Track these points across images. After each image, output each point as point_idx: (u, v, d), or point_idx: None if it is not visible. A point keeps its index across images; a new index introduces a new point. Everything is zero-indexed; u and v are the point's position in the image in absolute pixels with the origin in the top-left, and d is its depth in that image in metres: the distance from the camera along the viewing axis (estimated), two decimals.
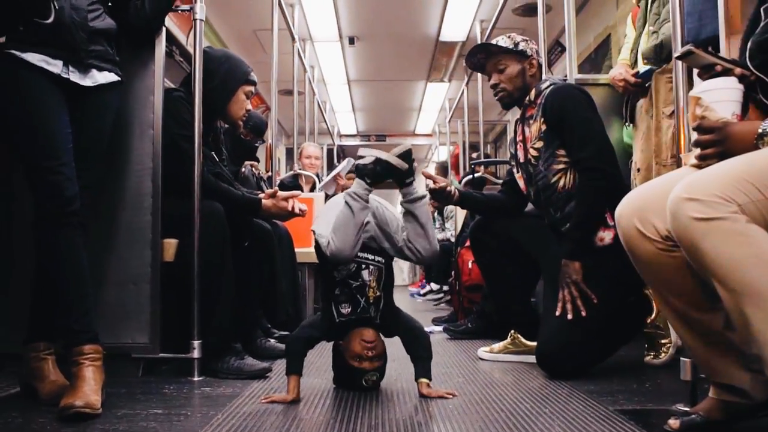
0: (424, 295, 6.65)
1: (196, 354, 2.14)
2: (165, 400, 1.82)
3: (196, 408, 1.75)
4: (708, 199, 1.18)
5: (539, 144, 2.34)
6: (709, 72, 1.40)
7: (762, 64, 1.35)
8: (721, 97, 1.34)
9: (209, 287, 2.17)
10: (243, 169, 3.43)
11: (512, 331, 2.49)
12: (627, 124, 2.77)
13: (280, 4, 3.90)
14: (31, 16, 1.74)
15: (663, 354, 2.31)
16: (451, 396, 1.82)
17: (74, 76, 1.84)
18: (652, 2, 2.56)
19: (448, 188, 2.55)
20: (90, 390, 1.66)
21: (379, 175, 1.83)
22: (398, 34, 6.87)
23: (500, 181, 3.50)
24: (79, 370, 1.71)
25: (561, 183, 2.30)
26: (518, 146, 2.49)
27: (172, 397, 1.86)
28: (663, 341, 2.32)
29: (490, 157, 8.20)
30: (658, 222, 1.35)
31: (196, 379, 2.13)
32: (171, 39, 2.41)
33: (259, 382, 2.06)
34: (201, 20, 2.28)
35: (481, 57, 2.50)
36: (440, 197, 2.57)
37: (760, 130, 1.25)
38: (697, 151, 1.35)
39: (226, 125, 2.64)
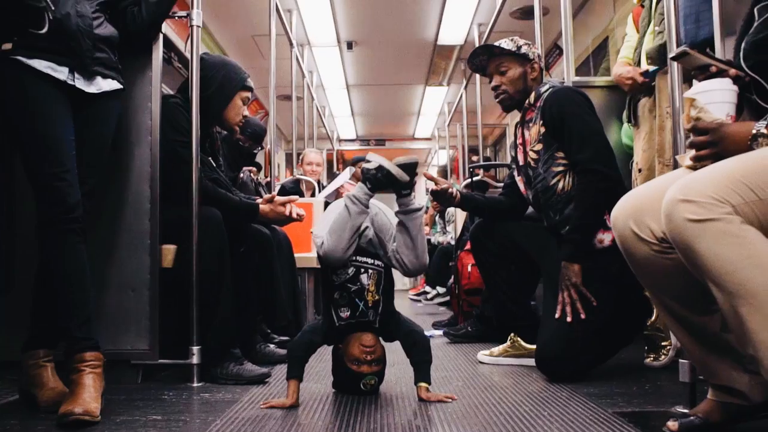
0: (431, 299, 6.65)
1: (195, 360, 2.14)
2: (164, 407, 1.82)
3: (195, 414, 1.74)
4: (702, 201, 1.18)
5: (538, 147, 2.35)
6: (704, 73, 1.40)
7: (756, 64, 1.35)
8: (715, 99, 1.34)
9: (208, 293, 2.17)
10: (241, 175, 3.44)
11: (512, 335, 2.49)
12: (630, 124, 2.76)
13: (278, 10, 3.91)
14: (25, 27, 1.75)
15: (663, 356, 2.30)
16: (450, 400, 1.82)
17: (79, 83, 1.85)
18: (657, 2, 2.55)
19: (450, 190, 2.55)
20: (89, 397, 1.66)
21: (380, 182, 1.84)
22: (396, 39, 6.88)
23: (500, 185, 3.51)
24: (78, 377, 1.71)
25: (560, 185, 2.30)
26: (518, 149, 2.49)
27: (171, 403, 1.86)
28: (663, 343, 2.32)
29: (490, 161, 8.20)
30: (654, 224, 1.36)
31: (195, 385, 2.13)
32: (169, 45, 2.42)
33: (259, 388, 2.06)
34: (198, 26, 2.29)
35: (482, 59, 2.50)
36: (442, 199, 2.57)
37: (754, 131, 1.26)
38: (693, 152, 1.35)
39: (224, 131, 2.65)
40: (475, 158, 6.32)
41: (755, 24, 1.38)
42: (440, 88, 8.69)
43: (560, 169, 2.30)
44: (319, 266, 1.95)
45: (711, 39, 1.84)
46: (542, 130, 2.33)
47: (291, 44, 4.74)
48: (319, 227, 1.91)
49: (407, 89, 8.93)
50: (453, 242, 5.72)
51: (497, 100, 2.49)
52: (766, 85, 1.33)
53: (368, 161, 1.86)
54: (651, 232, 1.37)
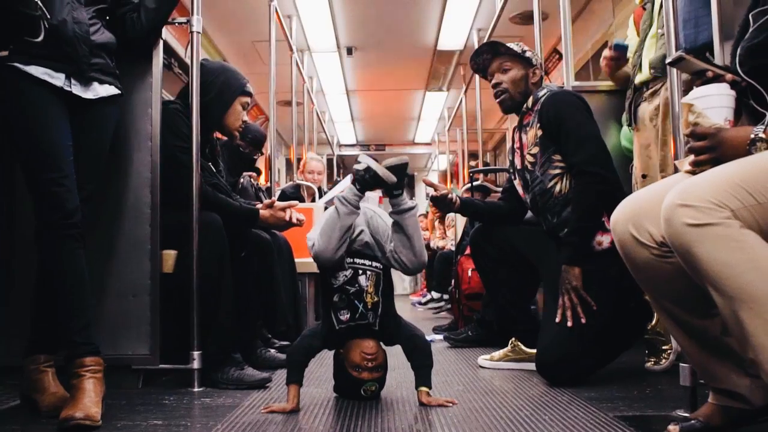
0: (425, 303, 6.64)
1: (195, 365, 2.14)
2: (165, 411, 1.82)
3: (196, 419, 1.75)
4: (701, 205, 1.19)
5: (535, 150, 2.35)
6: (701, 78, 1.41)
7: (752, 70, 1.36)
8: (713, 104, 1.35)
9: (208, 298, 2.18)
10: (241, 180, 3.44)
11: (512, 339, 2.49)
12: (630, 127, 2.75)
13: (277, 16, 3.92)
14: (21, 35, 1.75)
15: (664, 360, 2.30)
16: (450, 404, 1.82)
17: (76, 89, 1.85)
18: (661, 6, 2.54)
19: (450, 195, 2.55)
20: (90, 402, 1.66)
21: (367, 183, 1.85)
22: (396, 44, 6.89)
23: (500, 189, 3.51)
24: (79, 382, 1.71)
25: (557, 188, 2.31)
26: (516, 153, 2.50)
27: (171, 408, 1.87)
28: (664, 347, 2.31)
29: (490, 166, 8.21)
30: (653, 228, 1.36)
31: (196, 389, 2.13)
32: (169, 51, 2.42)
33: (259, 392, 2.06)
34: (198, 33, 2.30)
35: (486, 57, 2.51)
36: (441, 204, 2.57)
37: (752, 136, 1.26)
38: (691, 157, 1.36)
39: (224, 137, 2.65)
40: (473, 163, 6.32)
41: (750, 30, 1.39)
42: (440, 93, 8.70)
43: (557, 171, 2.31)
44: (319, 271, 1.96)
45: (710, 43, 1.85)
46: (539, 133, 2.34)
47: (291, 50, 4.75)
48: (313, 231, 1.92)
49: (407, 94, 8.94)
50: (453, 247, 5.73)
51: (497, 99, 2.49)
52: (762, 90, 1.33)
53: (358, 162, 1.87)
54: (650, 237, 1.37)
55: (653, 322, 2.32)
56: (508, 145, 2.65)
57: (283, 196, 4.44)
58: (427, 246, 7.05)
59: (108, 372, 1.81)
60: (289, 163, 9.36)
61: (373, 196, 2.00)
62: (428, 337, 2.25)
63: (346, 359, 1.87)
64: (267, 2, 3.82)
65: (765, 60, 1.35)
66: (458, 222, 5.03)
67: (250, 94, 2.50)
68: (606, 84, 3.04)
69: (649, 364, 2.33)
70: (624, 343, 2.25)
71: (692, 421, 1.40)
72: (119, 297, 2.16)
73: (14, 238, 2.19)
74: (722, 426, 1.39)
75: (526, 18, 5.57)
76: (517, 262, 2.56)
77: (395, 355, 1.99)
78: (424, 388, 1.86)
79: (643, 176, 2.59)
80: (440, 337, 3.42)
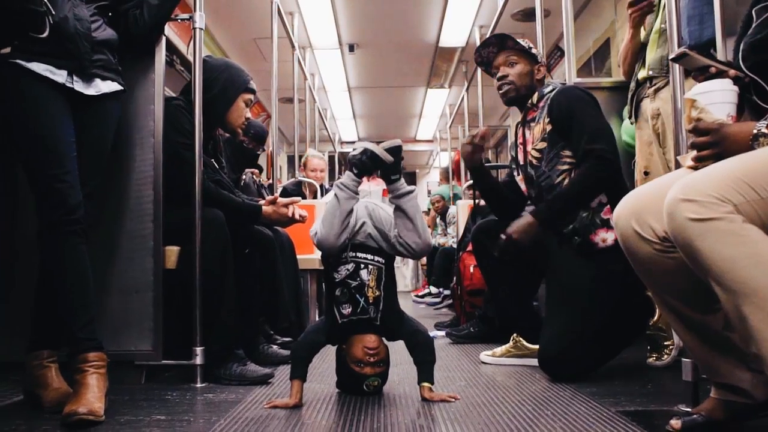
0: (423, 297, 6.66)
1: (198, 360, 2.15)
2: (168, 407, 1.83)
3: (199, 414, 1.75)
4: (704, 200, 1.19)
5: (541, 145, 2.34)
6: (703, 74, 1.41)
7: (755, 65, 1.36)
8: (716, 99, 1.35)
9: (211, 294, 2.18)
10: (244, 177, 3.45)
11: (514, 335, 2.49)
12: (632, 120, 2.75)
13: (279, 13, 3.92)
14: (26, 30, 1.76)
15: (665, 356, 2.31)
16: (453, 399, 1.83)
17: (78, 86, 1.86)
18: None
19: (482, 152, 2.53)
20: (93, 397, 1.66)
21: (366, 165, 1.86)
22: (398, 41, 6.89)
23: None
24: (82, 378, 1.71)
25: (565, 183, 2.30)
26: (518, 149, 2.50)
27: (174, 404, 1.87)
28: (665, 343, 2.32)
29: (491, 162, 8.20)
30: (656, 223, 1.36)
31: (198, 385, 2.13)
32: (172, 48, 2.43)
33: (262, 388, 2.07)
34: (200, 29, 2.30)
35: (492, 50, 2.50)
36: (474, 151, 2.52)
37: (755, 131, 1.26)
38: (694, 152, 1.36)
39: (227, 134, 2.66)
40: None
41: (753, 25, 1.39)
42: (442, 90, 8.71)
43: (565, 167, 2.30)
44: (321, 267, 1.97)
45: (715, 40, 1.85)
46: (548, 128, 2.33)
47: (293, 47, 4.75)
48: (315, 225, 1.94)
49: (409, 91, 8.95)
50: (454, 244, 5.73)
51: (502, 91, 2.48)
52: (765, 86, 1.33)
53: (354, 149, 1.90)
54: (653, 232, 1.37)
55: (655, 318, 2.33)
56: (510, 140, 2.64)
57: (285, 193, 4.44)
58: None
59: (111, 368, 1.82)
60: (291, 160, 9.36)
61: (377, 190, 2.01)
62: (430, 333, 2.25)
63: (348, 354, 1.88)
64: None
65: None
66: (460, 218, 5.03)
67: (253, 91, 2.50)
68: (608, 80, 3.04)
69: (650, 360, 2.34)
70: (626, 339, 2.25)
71: (694, 416, 1.41)
72: (122, 293, 2.17)
73: (16, 235, 2.20)
74: (724, 420, 1.39)
75: (528, 15, 5.57)
76: (519, 258, 2.56)
77: (397, 351, 2.00)
78: (426, 384, 1.86)
79: (645, 173, 2.59)
80: (442, 333, 3.43)
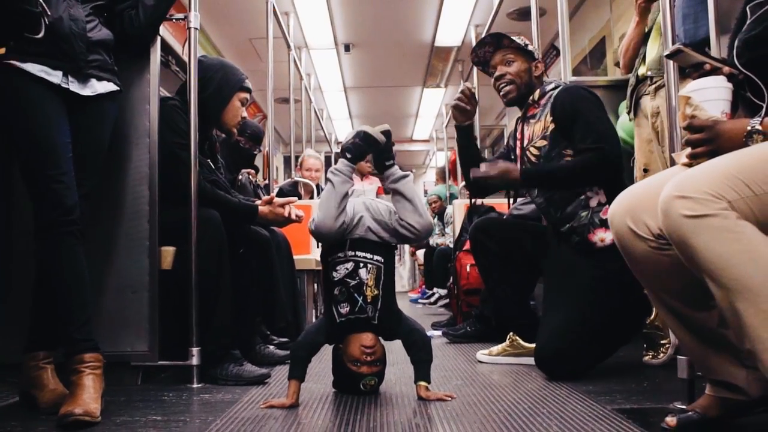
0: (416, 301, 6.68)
1: (194, 361, 2.15)
2: (164, 407, 1.83)
3: (195, 414, 1.75)
4: (698, 197, 1.19)
5: (541, 143, 2.33)
6: (698, 71, 1.41)
7: (749, 62, 1.36)
8: (710, 96, 1.35)
9: (207, 294, 2.18)
10: (240, 177, 3.44)
11: (511, 334, 2.49)
12: (630, 117, 2.74)
13: (275, 13, 3.92)
14: (21, 31, 1.75)
15: (662, 354, 2.31)
16: (449, 398, 1.83)
17: (74, 86, 1.85)
18: None
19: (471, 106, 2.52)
20: (89, 398, 1.66)
21: (359, 147, 1.89)
22: (394, 41, 6.89)
23: None
24: (78, 378, 1.71)
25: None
26: (517, 142, 2.49)
27: (171, 404, 1.87)
28: (662, 342, 2.32)
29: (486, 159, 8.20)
30: (651, 221, 1.36)
31: (195, 386, 2.13)
32: (167, 49, 2.42)
33: (258, 388, 2.06)
34: (195, 29, 2.30)
35: (488, 50, 2.49)
36: (467, 107, 2.52)
37: (749, 128, 1.27)
38: (689, 149, 1.36)
39: (223, 134, 2.65)
40: None
41: (747, 22, 1.39)
42: (438, 90, 8.71)
43: None
44: (318, 268, 1.97)
45: (709, 38, 1.86)
46: (551, 126, 2.31)
47: (288, 47, 4.75)
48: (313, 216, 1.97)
49: (405, 91, 8.95)
50: (451, 244, 5.74)
51: (501, 91, 2.47)
52: (759, 82, 1.34)
53: (347, 137, 1.94)
54: (648, 229, 1.37)
55: (652, 316, 2.33)
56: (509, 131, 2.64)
57: (281, 194, 4.44)
58: (427, 244, 7.06)
59: (107, 368, 1.81)
60: (287, 160, 9.35)
61: (371, 188, 2.03)
62: (427, 333, 2.26)
63: (345, 353, 1.88)
64: None
65: (762, 51, 1.36)
66: (456, 218, 5.03)
67: (248, 90, 2.49)
68: (603, 79, 3.05)
69: (647, 358, 2.34)
70: (623, 337, 2.26)
71: (689, 413, 1.41)
72: (118, 294, 2.16)
73: (12, 236, 2.19)
74: (719, 417, 1.40)
75: (524, 14, 5.58)
76: (517, 256, 2.56)
77: (394, 350, 2.00)
78: (423, 383, 1.86)
79: (645, 170, 2.59)
80: (439, 333, 3.43)
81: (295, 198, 2.56)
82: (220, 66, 2.45)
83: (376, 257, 1.90)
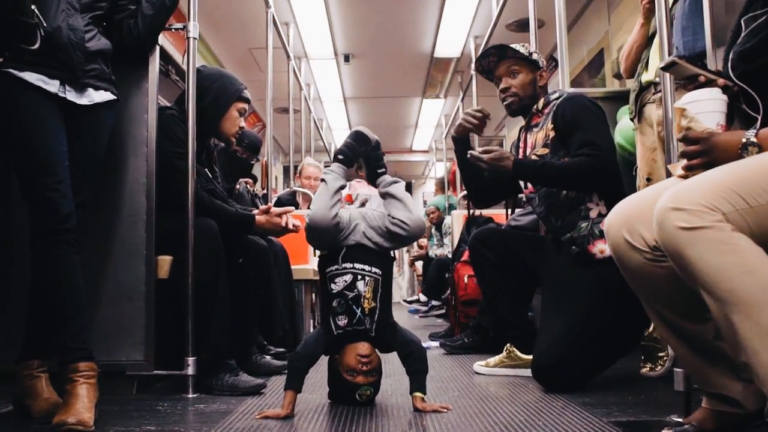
0: (411, 302, 6.67)
1: (190, 371, 2.14)
2: (158, 417, 1.81)
3: (190, 424, 1.74)
4: (693, 209, 1.19)
5: (542, 151, 2.33)
6: (693, 83, 1.42)
7: (744, 74, 1.37)
8: (705, 108, 1.35)
9: (203, 304, 2.17)
10: (238, 186, 3.45)
11: (508, 345, 2.48)
12: (635, 126, 2.72)
13: (275, 23, 3.93)
14: (17, 42, 1.76)
15: (660, 366, 2.30)
16: (445, 410, 1.82)
17: (71, 95, 1.86)
18: (674, 2, 2.49)
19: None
20: (83, 407, 1.65)
21: (353, 148, 2.01)
22: (393, 51, 6.92)
23: None
24: (72, 388, 1.70)
25: (564, 191, 2.29)
26: (519, 150, 2.49)
27: (165, 414, 1.86)
28: (660, 354, 2.31)
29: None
30: (646, 232, 1.36)
31: (190, 396, 2.12)
32: (167, 58, 2.43)
33: (254, 399, 2.05)
34: (194, 39, 2.31)
35: (492, 60, 2.49)
36: (471, 130, 2.52)
37: (744, 140, 1.27)
38: (684, 161, 1.36)
39: (221, 144, 2.66)
40: None
41: (742, 34, 1.40)
42: (437, 101, 8.74)
43: None
44: (316, 278, 1.98)
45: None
46: (551, 134, 2.31)
47: (288, 57, 4.77)
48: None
49: (404, 102, 8.98)
50: (450, 255, 5.73)
51: (505, 103, 2.47)
52: (754, 94, 1.34)
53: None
54: (643, 241, 1.37)
55: (650, 328, 2.32)
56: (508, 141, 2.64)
57: (279, 203, 4.44)
58: (426, 255, 7.07)
59: (102, 378, 1.81)
60: (286, 170, 9.36)
61: (376, 193, 2.08)
62: (424, 344, 2.25)
63: (341, 363, 1.87)
64: (264, 9, 3.84)
65: (756, 64, 1.36)
66: (455, 229, 5.04)
67: (247, 100, 2.50)
68: (601, 91, 3.06)
69: (644, 371, 2.33)
70: (621, 349, 2.24)
71: (686, 426, 1.40)
72: (114, 302, 2.16)
73: (10, 244, 2.19)
74: (715, 430, 1.39)
75: (523, 25, 5.60)
76: (516, 267, 2.55)
77: (390, 361, 1.99)
78: (418, 394, 1.85)
79: (648, 179, 2.58)
80: (436, 344, 3.42)
81: (292, 207, 2.56)
82: (218, 76, 2.45)
83: (374, 270, 1.90)
